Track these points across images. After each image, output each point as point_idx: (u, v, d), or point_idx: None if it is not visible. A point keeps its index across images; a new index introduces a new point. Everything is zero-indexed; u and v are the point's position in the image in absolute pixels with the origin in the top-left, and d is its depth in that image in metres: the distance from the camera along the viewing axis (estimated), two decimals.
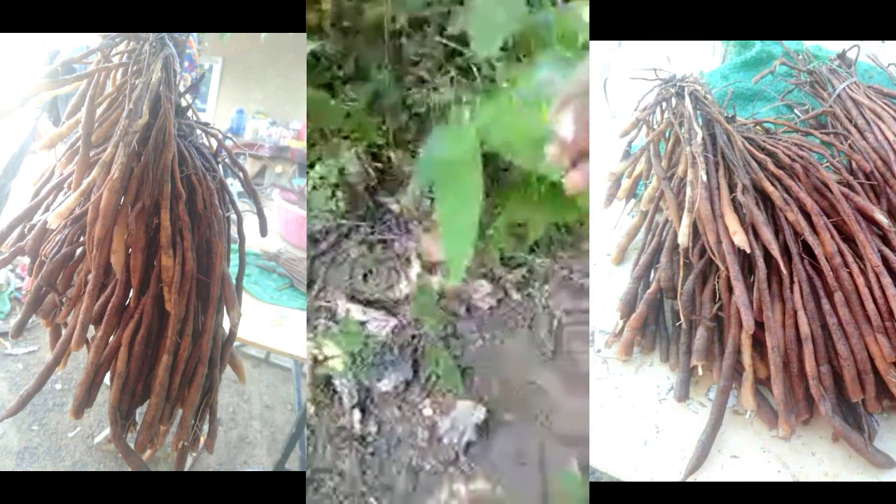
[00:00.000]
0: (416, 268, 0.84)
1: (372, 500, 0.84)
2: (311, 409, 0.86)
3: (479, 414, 0.83)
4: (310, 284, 0.86)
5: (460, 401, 0.83)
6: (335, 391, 0.86)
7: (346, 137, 0.84)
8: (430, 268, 0.84)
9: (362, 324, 0.85)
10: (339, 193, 0.85)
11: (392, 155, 0.84)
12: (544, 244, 0.83)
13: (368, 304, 0.85)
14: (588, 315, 0.84)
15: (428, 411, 0.84)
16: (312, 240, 0.86)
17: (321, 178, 0.85)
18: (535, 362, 0.83)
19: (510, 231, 0.82)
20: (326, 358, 0.86)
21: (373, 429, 0.85)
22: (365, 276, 0.85)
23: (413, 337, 0.85)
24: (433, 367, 0.84)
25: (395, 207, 0.85)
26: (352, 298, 0.85)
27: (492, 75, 0.78)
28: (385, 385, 0.85)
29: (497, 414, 0.83)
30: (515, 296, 0.83)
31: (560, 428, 0.82)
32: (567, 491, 0.81)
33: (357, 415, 0.85)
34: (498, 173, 0.79)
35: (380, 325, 0.85)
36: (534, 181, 0.78)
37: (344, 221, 0.85)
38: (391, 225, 0.84)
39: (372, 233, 0.85)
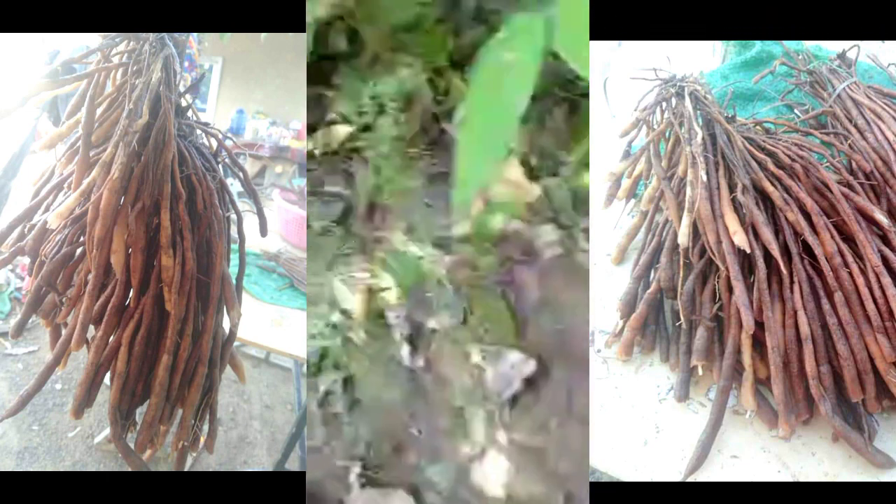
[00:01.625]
0: (478, 205, 0.79)
1: (413, 430, 0.83)
2: (363, 337, 0.84)
3: (529, 367, 0.79)
4: (371, 213, 0.82)
5: (511, 351, 0.80)
6: (387, 323, 0.84)
7: (419, 54, 0.75)
8: (492, 207, 0.78)
9: (418, 259, 0.82)
10: (403, 118, 0.79)
11: (461, 76, 0.75)
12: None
13: (426, 239, 0.81)
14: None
15: (476, 357, 0.81)
16: (374, 169, 0.81)
17: (391, 100, 0.78)
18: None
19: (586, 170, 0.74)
20: (381, 289, 0.83)
21: (420, 363, 0.83)
22: (424, 211, 0.81)
23: (468, 278, 0.80)
24: (486, 313, 0.80)
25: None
26: (409, 231, 0.82)
27: None
28: (435, 323, 0.82)
29: (549, 368, 0.79)
30: (585, 245, 0.77)
31: None
32: None
33: (406, 348, 0.83)
34: (579, 101, 0.72)
35: (435, 261, 0.81)
36: None
37: (407, 151, 0.80)
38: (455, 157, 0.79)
39: (434, 164, 0.79)
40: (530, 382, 0.80)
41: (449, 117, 0.79)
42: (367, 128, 0.83)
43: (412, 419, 0.84)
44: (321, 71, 0.83)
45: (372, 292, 0.84)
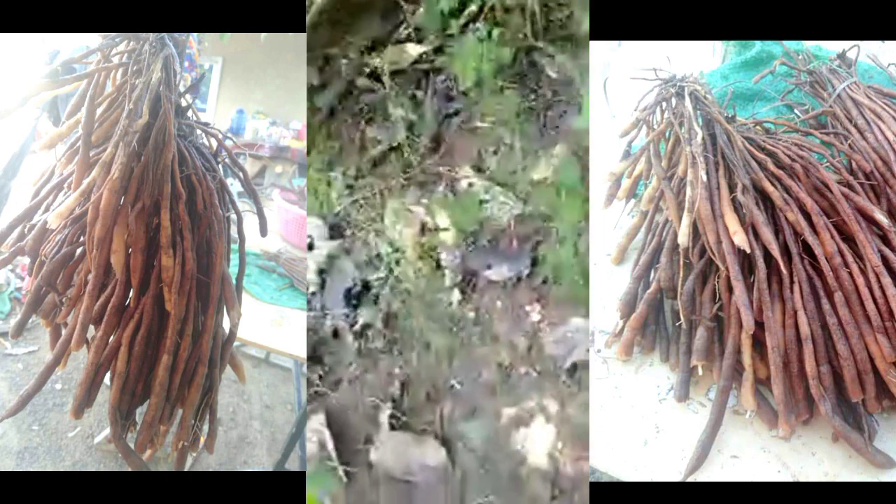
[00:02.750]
0: (562, 151, 0.71)
1: (454, 382, 0.77)
2: (411, 273, 0.77)
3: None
4: (436, 146, 0.74)
5: (577, 317, 0.73)
6: (439, 264, 0.77)
7: None
8: (582, 158, 0.69)
9: (483, 202, 0.75)
10: (496, 35, 0.70)
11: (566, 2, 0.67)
12: None
13: (494, 181, 0.74)
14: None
15: (535, 316, 0.75)
16: (446, 96, 0.73)
17: (474, 12, 0.68)
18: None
19: None
20: (437, 228, 0.76)
21: (470, 314, 0.76)
22: (498, 149, 0.73)
23: (538, 231, 0.74)
24: (553, 272, 0.73)
25: (554, 74, 0.70)
26: (478, 171, 0.74)
27: None
28: (493, 274, 0.75)
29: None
30: None
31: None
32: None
33: (456, 295, 0.77)
34: None
35: (503, 208, 0.74)
36: None
37: (491, 80, 0.71)
38: (546, 93, 0.69)
39: (523, 99, 0.71)
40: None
41: (553, 46, 0.69)
42: (443, 48, 0.73)
43: (453, 370, 0.78)
44: None
45: (427, 229, 0.77)
